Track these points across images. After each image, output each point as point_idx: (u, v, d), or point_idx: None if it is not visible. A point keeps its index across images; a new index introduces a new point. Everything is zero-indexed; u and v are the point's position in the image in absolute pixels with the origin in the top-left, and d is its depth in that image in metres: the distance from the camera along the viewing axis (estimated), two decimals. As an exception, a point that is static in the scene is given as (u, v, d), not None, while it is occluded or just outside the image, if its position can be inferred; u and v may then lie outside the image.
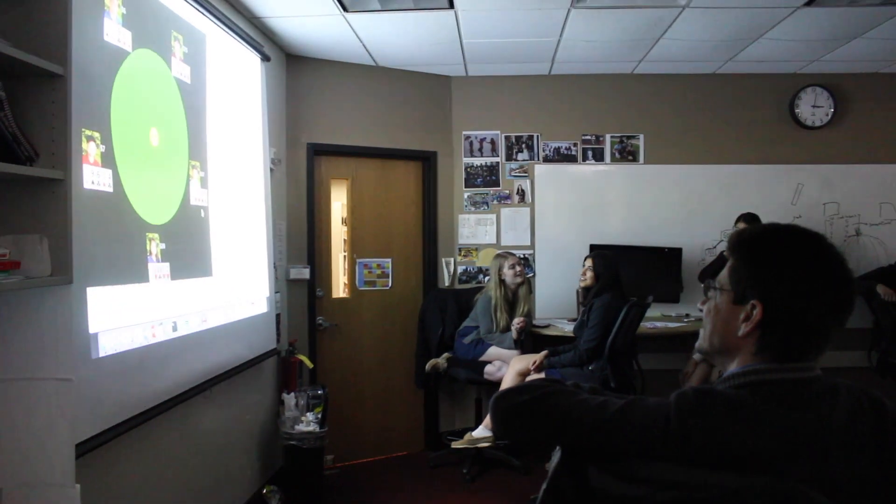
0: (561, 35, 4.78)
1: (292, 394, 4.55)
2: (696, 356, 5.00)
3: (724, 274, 1.38)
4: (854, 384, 1.34)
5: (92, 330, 2.43)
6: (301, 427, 4.40)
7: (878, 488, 1.25)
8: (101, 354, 2.49)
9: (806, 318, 1.28)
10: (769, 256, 1.32)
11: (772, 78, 5.89)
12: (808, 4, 4.18)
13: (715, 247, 5.92)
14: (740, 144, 5.95)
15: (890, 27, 4.67)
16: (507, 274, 5.13)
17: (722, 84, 5.92)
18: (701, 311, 1.44)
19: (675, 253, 5.76)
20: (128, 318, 2.69)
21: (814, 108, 5.90)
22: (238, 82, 4.04)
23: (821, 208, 5.98)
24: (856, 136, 5.94)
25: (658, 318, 5.50)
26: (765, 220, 5.86)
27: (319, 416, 4.48)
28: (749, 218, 5.02)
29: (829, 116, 5.90)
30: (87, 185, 2.43)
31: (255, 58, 4.29)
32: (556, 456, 1.36)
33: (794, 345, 1.30)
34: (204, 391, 3.39)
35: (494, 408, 1.42)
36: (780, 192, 5.97)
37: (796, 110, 5.90)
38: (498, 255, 5.30)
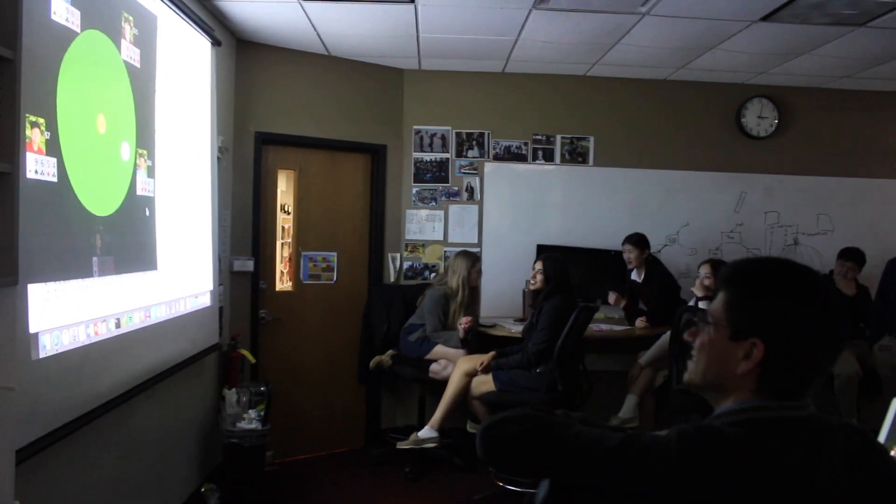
0: (519, 34, 4.74)
1: (233, 390, 4.42)
2: (642, 360, 5.05)
3: (718, 308, 1.34)
4: (844, 421, 1.33)
5: (32, 330, 2.29)
6: (243, 425, 4.28)
7: None
8: (42, 356, 2.34)
9: (806, 356, 1.27)
10: (770, 293, 1.29)
11: (720, 87, 5.98)
12: (764, 19, 4.25)
13: (660, 251, 5.99)
14: (687, 151, 6.03)
15: (837, 45, 4.78)
16: (475, 276, 5.10)
17: (672, 91, 5.98)
18: (689, 341, 1.40)
19: (621, 256, 5.79)
20: (70, 315, 2.54)
21: (759, 118, 6.02)
22: (188, 67, 3.88)
23: (762, 216, 6.11)
24: (798, 148, 6.09)
25: (603, 319, 5.53)
26: (707, 226, 6.01)
27: (262, 413, 4.37)
28: (716, 264, 4.99)
29: (774, 127, 6.03)
30: (30, 174, 2.27)
31: (205, 42, 4.13)
32: (544, 488, 1.32)
33: (794, 383, 1.28)
34: (146, 390, 3.25)
35: (485, 438, 1.36)
36: (724, 198, 6.08)
37: (742, 120, 6.02)
38: (468, 254, 5.24)
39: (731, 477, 1.18)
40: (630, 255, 5.45)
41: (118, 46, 2.97)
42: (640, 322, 5.34)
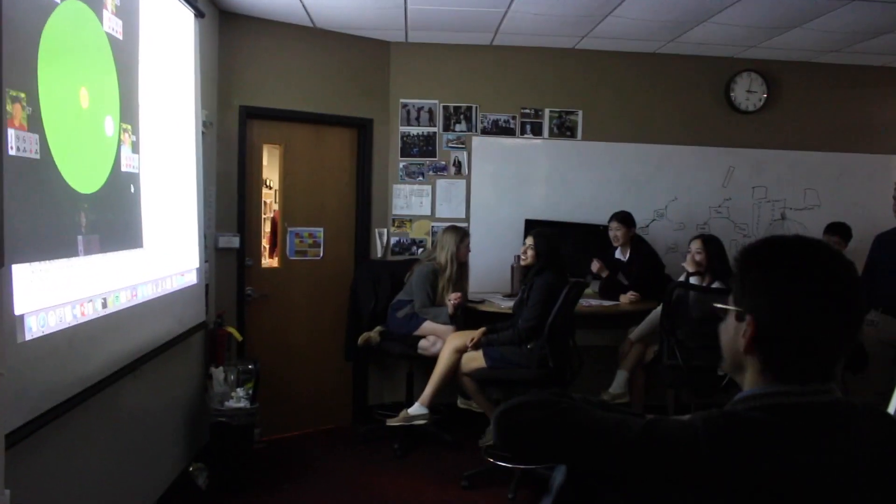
0: (509, 6, 4.66)
1: (221, 368, 4.37)
2: (633, 336, 5.04)
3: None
4: (871, 406, 1.30)
5: (18, 311, 2.22)
6: (231, 403, 4.24)
7: None
8: (28, 338, 2.27)
9: (799, 333, 1.22)
10: (765, 269, 1.26)
11: (710, 61, 5.93)
12: (758, -10, 4.20)
13: (648, 225, 5.97)
14: (676, 125, 6.00)
15: (829, 19, 4.75)
16: (463, 251, 5.04)
17: (662, 64, 5.93)
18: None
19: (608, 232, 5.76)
20: (56, 295, 2.47)
21: (748, 92, 6.00)
22: (171, 40, 3.78)
23: (750, 191, 6.10)
24: (786, 122, 6.08)
25: (591, 294, 5.51)
26: (695, 201, 6.00)
27: (250, 391, 4.33)
28: (707, 239, 4.95)
29: (763, 102, 6.01)
30: (11, 151, 2.19)
31: (188, 13, 4.02)
32: (560, 474, 1.28)
33: (793, 363, 1.24)
34: (134, 370, 3.19)
35: (501, 423, 1.31)
36: (713, 173, 6.06)
37: (731, 94, 5.98)
38: (457, 229, 5.17)
39: (757, 463, 1.15)
40: (617, 232, 5.42)
41: (100, 17, 2.87)
42: (627, 297, 5.33)
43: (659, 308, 4.69)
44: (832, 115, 6.12)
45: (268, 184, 5.40)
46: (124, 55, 3.11)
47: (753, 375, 1.28)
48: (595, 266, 5.51)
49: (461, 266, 5.15)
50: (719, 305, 1.33)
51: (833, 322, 1.23)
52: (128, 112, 3.14)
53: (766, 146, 6.06)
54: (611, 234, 5.46)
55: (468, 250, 5.13)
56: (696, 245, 4.77)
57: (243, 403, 4.26)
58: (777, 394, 1.23)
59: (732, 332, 1.30)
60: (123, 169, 3.10)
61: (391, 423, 4.85)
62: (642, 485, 1.20)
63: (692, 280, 4.66)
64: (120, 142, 3.06)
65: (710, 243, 4.75)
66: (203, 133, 4.28)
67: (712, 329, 4.20)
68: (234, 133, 4.91)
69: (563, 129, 5.95)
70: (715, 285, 4.62)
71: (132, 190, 3.22)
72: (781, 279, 1.24)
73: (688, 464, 1.16)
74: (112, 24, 2.98)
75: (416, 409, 4.80)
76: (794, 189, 6.13)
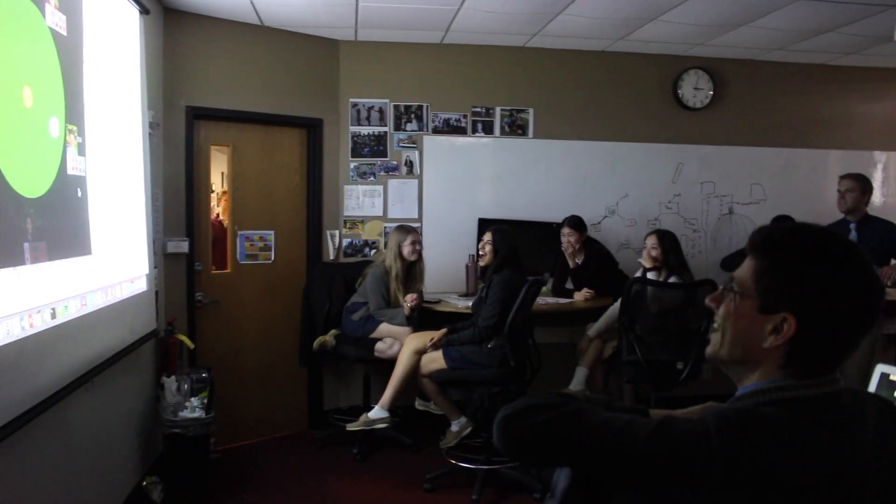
0: (462, 3, 4.62)
1: (173, 378, 4.22)
2: (591, 332, 5.05)
3: (746, 276, 1.26)
4: (876, 396, 1.29)
5: (-36, 324, 2.08)
6: (185, 413, 4.10)
7: None
8: (-25, 352, 2.14)
9: (840, 332, 1.20)
10: (806, 264, 1.21)
11: (658, 59, 5.99)
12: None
13: (600, 223, 6.00)
14: (626, 122, 6.04)
15: (773, 18, 4.84)
16: (406, 249, 4.96)
17: (611, 62, 5.96)
18: (711, 307, 1.32)
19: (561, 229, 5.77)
20: (3, 307, 2.33)
21: (695, 90, 6.07)
22: (115, 37, 3.62)
23: (699, 187, 6.19)
24: (732, 119, 6.19)
25: (546, 293, 5.51)
26: (646, 197, 6.04)
27: (205, 401, 4.19)
28: (662, 234, 4.98)
29: (709, 99, 6.10)
30: (-46, 153, 2.06)
31: (132, 10, 3.87)
32: (564, 477, 1.23)
33: (825, 359, 1.22)
34: (85, 383, 3.04)
35: (505, 428, 1.26)
36: (662, 169, 6.12)
37: (679, 91, 6.05)
38: (400, 228, 5.10)
39: (772, 460, 1.12)
40: (570, 238, 5.39)
41: (42, 11, 2.72)
42: (582, 294, 5.34)
43: (617, 304, 4.70)
44: (776, 110, 6.24)
45: (211, 188, 5.25)
46: (69, 52, 2.96)
47: (769, 370, 1.24)
48: (566, 238, 5.45)
49: (411, 265, 5.07)
50: (728, 287, 1.28)
51: (867, 316, 1.21)
52: (73, 112, 2.99)
53: (714, 142, 6.16)
54: (563, 240, 5.43)
55: (415, 248, 5.03)
56: (651, 241, 4.80)
57: (198, 413, 4.13)
58: (788, 387, 1.21)
59: (749, 323, 1.24)
60: (69, 172, 2.95)
61: (351, 427, 4.76)
62: (653, 487, 1.16)
63: (649, 275, 4.69)
64: (66, 143, 2.91)
65: (665, 238, 4.79)
66: (150, 134, 4.13)
67: (670, 323, 4.24)
68: (180, 134, 4.76)
69: (515, 128, 5.94)
70: (671, 279, 4.66)
71: (79, 194, 3.07)
72: (828, 277, 1.20)
73: (701, 464, 1.13)
74: (55, 18, 2.84)
75: (377, 412, 4.72)
76: (740, 184, 6.24)
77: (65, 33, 2.91)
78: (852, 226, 4.93)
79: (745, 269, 1.27)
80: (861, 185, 4.92)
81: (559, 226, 5.53)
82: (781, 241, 1.25)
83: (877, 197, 6.22)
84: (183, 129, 4.78)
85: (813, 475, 1.13)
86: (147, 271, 3.99)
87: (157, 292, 4.28)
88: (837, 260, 1.21)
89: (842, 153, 6.34)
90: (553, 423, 1.22)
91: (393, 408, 4.81)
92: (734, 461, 1.12)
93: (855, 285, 1.20)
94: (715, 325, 1.31)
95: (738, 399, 1.25)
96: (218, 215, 6.40)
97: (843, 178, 5.00)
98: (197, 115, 4.86)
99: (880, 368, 1.93)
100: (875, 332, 4.55)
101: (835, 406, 1.20)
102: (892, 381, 1.91)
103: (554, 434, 1.22)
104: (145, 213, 4.00)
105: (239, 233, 5.22)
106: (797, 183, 6.26)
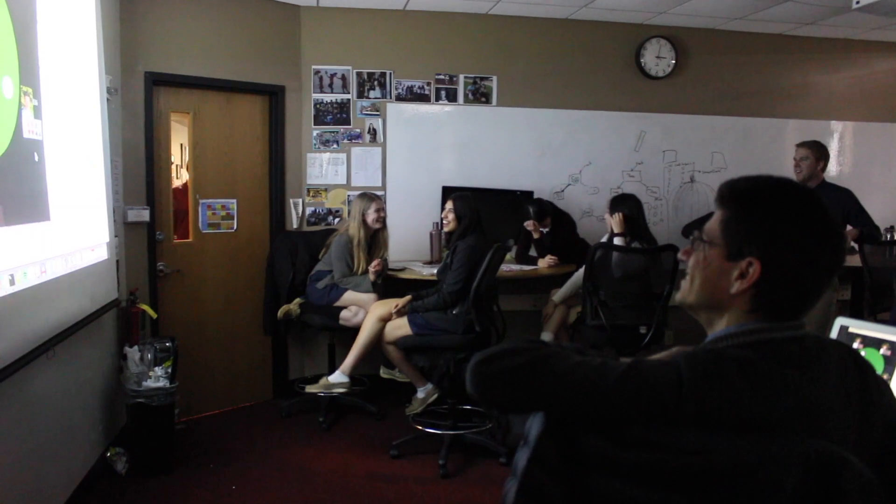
0: (425, -33, 4.57)
1: (136, 347, 4.18)
2: (556, 297, 5.09)
3: (713, 226, 1.31)
4: (836, 340, 1.34)
5: (-80, 289, 2.03)
6: (149, 383, 4.05)
7: (863, 441, 1.25)
8: (-67, 318, 2.09)
9: (803, 277, 1.25)
10: (769, 211, 1.26)
11: (620, 27, 6.00)
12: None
13: (563, 190, 6.03)
14: (589, 90, 6.05)
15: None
16: (370, 217, 4.95)
17: (574, 30, 5.96)
18: (683, 261, 1.37)
19: (527, 196, 5.80)
20: (-39, 272, 2.28)
21: (657, 58, 6.10)
22: (70, -2, 3.53)
23: (661, 155, 6.24)
24: (694, 87, 6.23)
25: (510, 260, 5.53)
26: (609, 165, 6.08)
27: (169, 370, 4.15)
28: (619, 199, 5.02)
29: (671, 68, 6.13)
30: None
31: (87, -29, 3.76)
32: (537, 424, 1.24)
33: (789, 303, 1.26)
34: (46, 351, 2.99)
35: (477, 373, 1.26)
36: (625, 138, 6.15)
37: (641, 60, 6.07)
38: (363, 196, 5.09)
39: (741, 398, 1.16)
40: (537, 225, 5.44)
41: (-6, -31, 2.64)
42: (546, 261, 5.38)
43: (581, 270, 4.74)
44: (736, 80, 6.30)
45: (171, 160, 5.17)
46: (21, 10, 2.87)
47: (736, 315, 1.28)
48: (529, 224, 5.49)
49: (376, 233, 5.07)
50: (697, 238, 1.32)
51: (829, 263, 1.26)
52: (28, 73, 2.91)
53: (676, 111, 6.20)
54: (529, 226, 5.44)
55: (379, 216, 5.02)
56: (614, 205, 4.84)
57: (162, 383, 4.09)
58: (757, 331, 1.25)
59: (717, 270, 1.29)
60: (26, 135, 2.87)
61: (310, 389, 4.79)
62: (625, 428, 1.18)
63: (616, 240, 4.73)
64: (20, 105, 2.83)
65: (629, 203, 4.83)
66: (108, 100, 4.03)
67: (634, 288, 4.31)
68: (139, 101, 4.66)
69: (478, 95, 5.92)
70: (634, 244, 4.71)
71: (36, 158, 2.99)
72: (790, 223, 1.24)
73: (672, 403, 1.16)
74: (7, -23, 2.74)
75: (337, 376, 4.74)
76: (702, 152, 6.30)
77: (17, -8, 2.82)
78: (810, 193, 5.00)
79: (714, 220, 1.32)
80: (815, 152, 4.98)
81: (522, 192, 5.55)
82: (746, 191, 1.30)
83: (833, 165, 6.35)
84: (142, 95, 4.68)
85: (780, 412, 1.16)
86: (108, 239, 3.92)
87: (118, 261, 4.21)
88: (798, 207, 1.26)
89: (800, 122, 6.43)
90: (526, 366, 1.23)
91: (358, 376, 4.82)
92: (704, 400, 1.15)
93: (815, 231, 1.24)
94: (686, 274, 1.36)
95: (713, 342, 1.29)
96: (184, 185, 6.29)
97: (798, 146, 5.07)
98: (156, 81, 4.76)
99: (840, 321, 2.00)
100: (831, 297, 4.67)
101: (800, 348, 1.24)
102: (851, 333, 1.97)
103: (527, 377, 1.23)
104: (105, 181, 3.92)
105: (201, 201, 5.14)
106: (757, 151, 6.34)
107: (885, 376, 1.88)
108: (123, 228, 4.52)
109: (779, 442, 1.11)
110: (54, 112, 3.18)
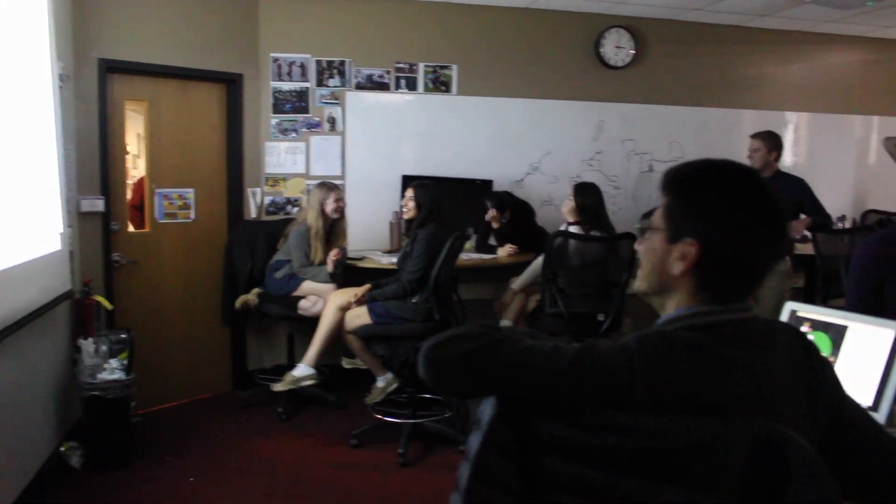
0: (384, -45, 4.55)
1: (90, 340, 4.11)
2: (515, 285, 5.12)
3: (657, 213, 1.33)
4: (783, 323, 1.36)
5: None
6: (104, 375, 3.99)
7: (810, 421, 1.28)
8: None
9: (743, 257, 1.27)
10: (704, 192, 1.28)
11: (580, 17, 6.05)
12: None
13: (523, 179, 6.06)
14: (549, 80, 6.09)
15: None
16: (329, 207, 4.93)
17: (534, 19, 5.98)
18: (637, 251, 1.40)
19: (486, 185, 5.82)
20: None
21: (617, 48, 6.15)
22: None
23: (620, 144, 6.30)
24: (652, 78, 6.30)
25: (470, 249, 5.55)
26: (568, 154, 6.13)
27: (125, 362, 4.09)
28: (581, 187, 5.05)
29: (630, 58, 6.19)
30: None
31: (36, -46, 3.67)
32: (490, 408, 1.25)
33: (732, 284, 1.28)
34: (-3, 344, 2.94)
35: (430, 358, 1.26)
36: (585, 127, 6.21)
37: (601, 50, 6.12)
38: (322, 185, 5.06)
39: (691, 379, 1.18)
40: (499, 216, 5.47)
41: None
42: (505, 250, 5.41)
43: (540, 259, 4.78)
44: (694, 71, 6.39)
45: (126, 150, 5.08)
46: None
47: (682, 297, 1.30)
48: (489, 215, 5.52)
49: (335, 223, 5.05)
50: (641, 226, 1.35)
51: (769, 243, 1.28)
52: (-25, 60, 2.84)
53: (634, 101, 6.27)
54: (491, 219, 5.48)
55: (338, 205, 5.01)
56: (573, 193, 4.88)
57: (117, 375, 4.03)
58: (704, 313, 1.27)
59: (661, 254, 1.31)
60: (-27, 124, 2.81)
61: (277, 388, 4.74)
62: (578, 411, 1.19)
63: (572, 229, 4.76)
64: (-33, 93, 2.77)
65: (588, 191, 4.87)
66: (60, 87, 3.95)
67: (592, 276, 4.36)
68: (93, 88, 4.57)
69: (438, 84, 5.91)
70: (593, 233, 4.75)
71: (-16, 147, 2.93)
72: (726, 203, 1.26)
73: (623, 385, 1.17)
74: (-48, -40, 2.67)
75: (302, 370, 4.71)
76: (660, 142, 6.38)
77: (-37, -25, 2.75)
78: (764, 182, 5.09)
79: (659, 208, 1.34)
80: (768, 143, 5.06)
81: (482, 182, 5.56)
82: (684, 176, 1.33)
83: (788, 155, 6.48)
84: (95, 83, 4.58)
85: (729, 393, 1.19)
86: (61, 230, 3.85)
87: (71, 252, 4.13)
88: (734, 187, 1.28)
89: (756, 113, 6.54)
90: (478, 351, 1.24)
91: (318, 366, 4.80)
92: (655, 382, 1.17)
93: (750, 209, 1.26)
94: (641, 263, 1.39)
95: (664, 324, 1.31)
96: (141, 175, 6.20)
97: (751, 137, 5.16)
98: (110, 68, 4.67)
99: (790, 306, 2.06)
100: (785, 284, 4.76)
101: (748, 330, 1.27)
102: (800, 317, 2.03)
103: (479, 361, 1.23)
104: (57, 170, 3.84)
105: (157, 191, 5.07)
106: (714, 141, 6.42)
107: (832, 358, 1.94)
108: (78, 218, 4.44)
109: (728, 422, 1.14)
110: (2, 99, 3.11)
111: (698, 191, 1.29)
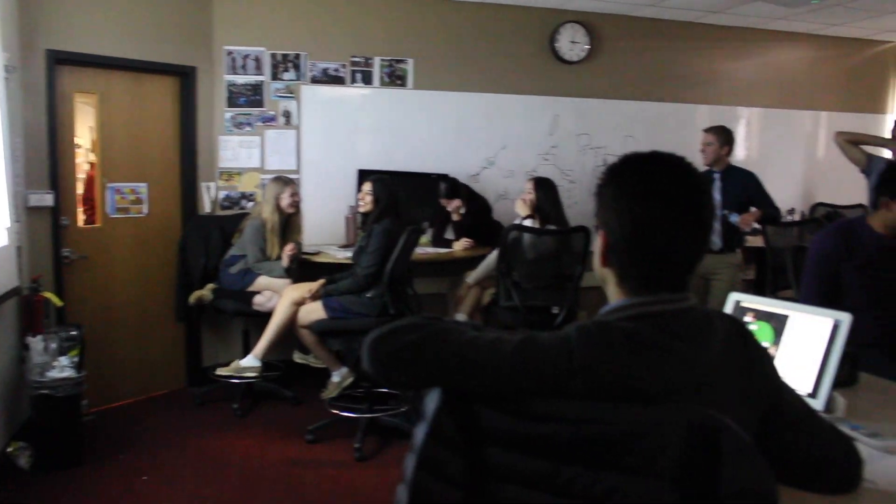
0: (338, -52, 4.52)
1: (39, 337, 4.03)
2: (470, 279, 5.15)
3: None
4: (721, 312, 1.39)
5: None
6: (54, 373, 3.92)
7: (746, 408, 1.30)
8: None
9: (648, 246, 1.28)
10: (604, 183, 1.33)
11: (536, 11, 6.09)
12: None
13: (479, 174, 6.08)
14: (505, 74, 6.12)
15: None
16: (285, 202, 4.90)
17: (490, 13, 6.01)
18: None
19: (442, 179, 5.82)
20: None
21: (572, 43, 6.21)
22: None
23: (575, 139, 6.36)
24: (607, 73, 6.38)
25: (426, 243, 5.56)
26: (524, 148, 6.18)
27: (75, 360, 4.03)
28: (538, 182, 5.09)
29: (585, 53, 6.25)
30: None
31: (-20, -57, 3.59)
32: (434, 399, 1.26)
33: (646, 271, 1.30)
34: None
35: (374, 351, 1.27)
36: (540, 122, 6.26)
37: (556, 45, 6.17)
38: (277, 180, 5.04)
39: (630, 369, 1.20)
40: (455, 205, 5.48)
41: None
42: (461, 244, 5.43)
43: (495, 253, 4.81)
44: (648, 66, 6.48)
45: (77, 144, 4.99)
46: None
47: (613, 287, 1.35)
48: (452, 205, 5.54)
49: (290, 217, 5.03)
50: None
51: (679, 233, 1.28)
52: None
53: (590, 95, 6.34)
54: (451, 210, 5.50)
55: (294, 200, 4.99)
56: (528, 186, 4.92)
57: (68, 373, 3.96)
58: (643, 303, 1.29)
59: (595, 248, 1.38)
60: (-87, 116, 2.74)
61: (220, 372, 4.73)
62: (521, 401, 1.21)
63: (526, 222, 4.80)
64: None
65: (542, 186, 4.92)
66: (6, 79, 3.86)
67: (546, 269, 4.41)
68: (41, 80, 4.47)
69: (394, 78, 5.91)
70: (548, 227, 4.79)
71: (-75, 140, 2.86)
72: (626, 193, 1.29)
73: (563, 375, 1.19)
74: None
75: (249, 360, 4.71)
76: (614, 136, 6.45)
77: None
78: (716, 176, 5.19)
79: None
80: (719, 138, 5.17)
81: (438, 176, 5.57)
82: (606, 169, 1.37)
83: (741, 149, 6.61)
84: (43, 75, 4.48)
85: (665, 382, 1.21)
86: (7, 225, 3.77)
87: (19, 247, 4.05)
88: (642, 178, 1.30)
89: (709, 108, 6.65)
90: (420, 343, 1.25)
91: (272, 362, 4.78)
92: (593, 370, 1.19)
93: (658, 202, 1.26)
94: None
95: (604, 314, 1.33)
96: (91, 168, 6.09)
97: (704, 132, 5.26)
98: (59, 60, 4.57)
99: (733, 297, 2.11)
100: (735, 276, 4.86)
101: (686, 320, 1.29)
102: (744, 307, 2.08)
103: (422, 352, 1.24)
104: (3, 164, 3.75)
105: (109, 185, 4.99)
106: (667, 136, 6.50)
107: (774, 347, 1.99)
108: (25, 213, 4.34)
109: (664, 410, 1.16)
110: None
111: (603, 182, 1.34)
